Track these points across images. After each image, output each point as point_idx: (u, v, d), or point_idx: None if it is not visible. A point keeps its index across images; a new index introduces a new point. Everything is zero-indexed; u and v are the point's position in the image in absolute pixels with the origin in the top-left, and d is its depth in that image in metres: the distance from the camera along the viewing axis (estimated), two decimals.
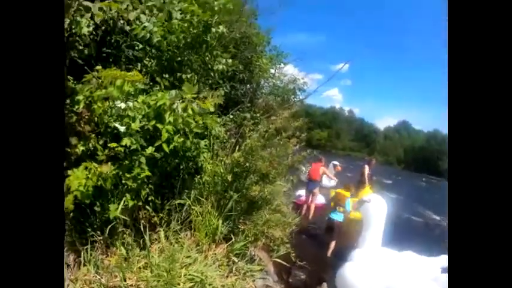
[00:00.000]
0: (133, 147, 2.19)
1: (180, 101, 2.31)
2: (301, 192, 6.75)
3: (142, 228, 2.37)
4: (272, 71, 7.35)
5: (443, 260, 2.98)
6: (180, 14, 3.24)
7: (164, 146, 2.22)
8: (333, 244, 4.37)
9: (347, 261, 3.21)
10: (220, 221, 2.74)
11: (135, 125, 2.18)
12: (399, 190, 12.82)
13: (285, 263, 3.17)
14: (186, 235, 2.87)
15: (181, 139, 2.31)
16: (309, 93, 7.95)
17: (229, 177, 2.76)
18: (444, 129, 42.78)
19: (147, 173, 2.25)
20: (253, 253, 3.02)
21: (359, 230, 3.81)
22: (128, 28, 3.07)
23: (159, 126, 2.23)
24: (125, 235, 2.33)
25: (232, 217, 2.90)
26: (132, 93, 2.23)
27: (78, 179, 1.99)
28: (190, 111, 2.23)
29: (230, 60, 3.85)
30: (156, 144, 2.25)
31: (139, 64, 3.31)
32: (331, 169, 9.01)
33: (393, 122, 52.59)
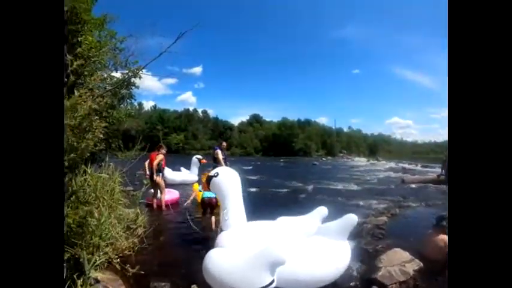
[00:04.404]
0: None
1: None
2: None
3: None
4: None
5: (318, 212, 2.84)
6: None
7: None
8: (213, 219, 4.06)
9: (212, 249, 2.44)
10: None
11: None
12: (260, 172, 14.06)
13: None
14: None
15: None
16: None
17: None
18: (291, 116, 51.42)
19: None
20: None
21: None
22: None
23: None
24: None
25: None
26: None
27: None
28: None
29: None
30: None
31: None
32: (196, 163, 8.69)
33: (246, 117, 58.53)
